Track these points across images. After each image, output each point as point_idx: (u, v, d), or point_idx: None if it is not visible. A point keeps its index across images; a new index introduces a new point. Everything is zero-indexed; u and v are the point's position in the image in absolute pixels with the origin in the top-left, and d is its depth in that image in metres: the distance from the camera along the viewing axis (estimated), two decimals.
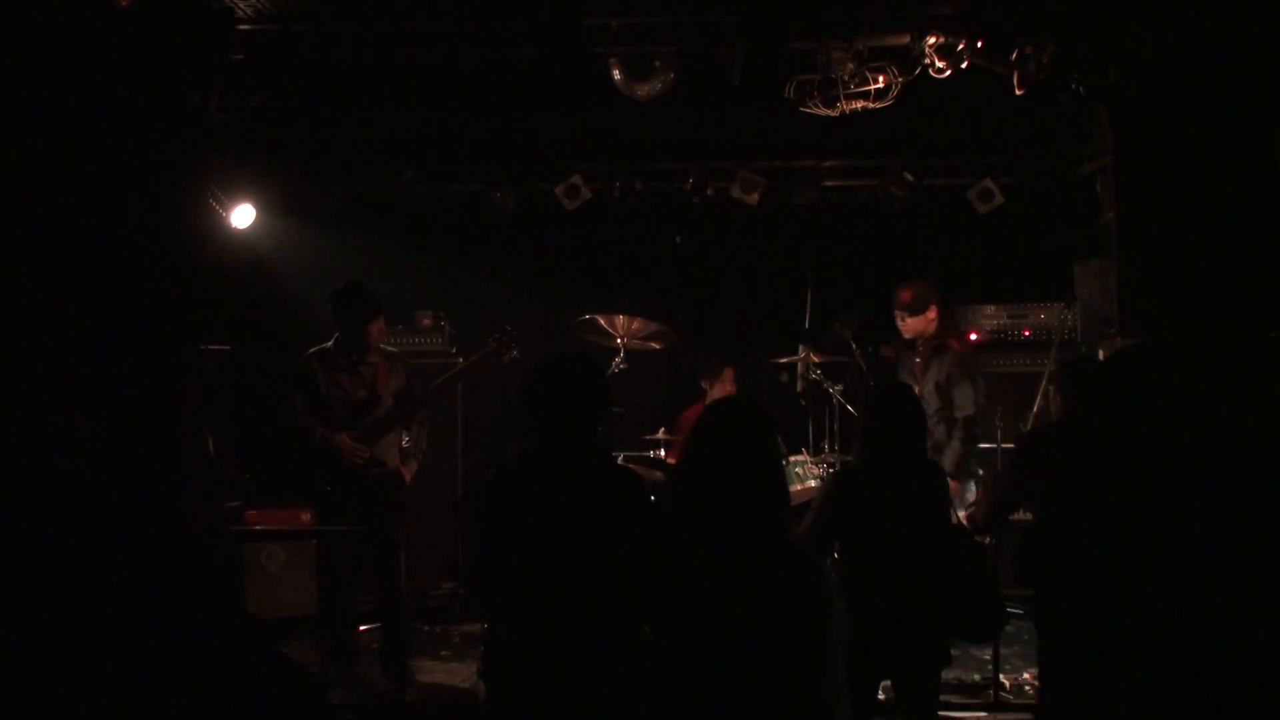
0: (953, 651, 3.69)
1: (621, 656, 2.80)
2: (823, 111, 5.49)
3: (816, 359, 6.28)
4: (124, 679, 2.16)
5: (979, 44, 5.30)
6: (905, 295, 5.92)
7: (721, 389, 6.59)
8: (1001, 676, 5.08)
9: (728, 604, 2.53)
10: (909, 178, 7.14)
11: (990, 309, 7.05)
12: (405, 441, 5.57)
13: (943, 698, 3.84)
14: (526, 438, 3.19)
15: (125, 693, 2.11)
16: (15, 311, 4.43)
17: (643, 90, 5.57)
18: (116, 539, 4.37)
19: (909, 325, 5.91)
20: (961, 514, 4.42)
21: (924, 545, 3.56)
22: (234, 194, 6.71)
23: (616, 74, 5.58)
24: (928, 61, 5.33)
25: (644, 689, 2.58)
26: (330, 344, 5.39)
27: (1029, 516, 4.42)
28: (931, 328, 5.90)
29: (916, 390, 5.33)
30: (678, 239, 7.77)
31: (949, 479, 4.06)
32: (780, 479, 2.76)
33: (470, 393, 7.26)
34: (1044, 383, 5.75)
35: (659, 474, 6.21)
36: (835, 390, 6.26)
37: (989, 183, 7.10)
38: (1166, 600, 1.29)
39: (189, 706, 1.70)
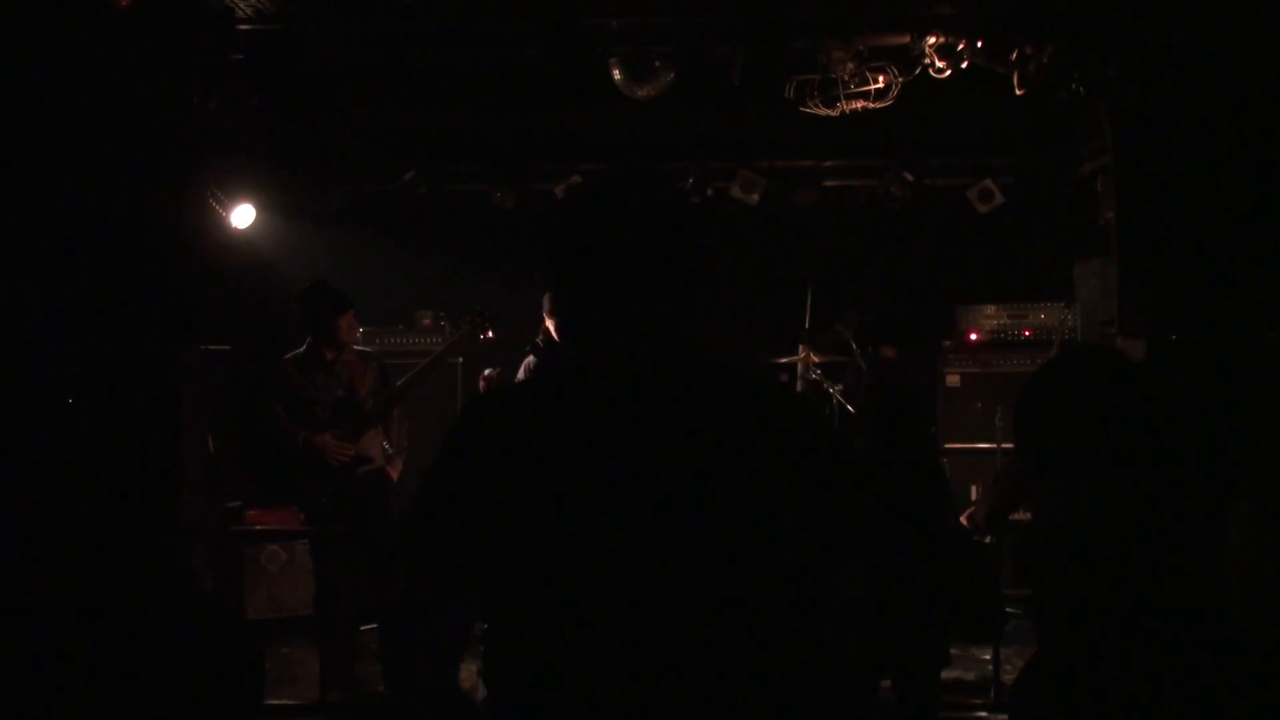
0: (952, 651, 3.69)
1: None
2: (823, 111, 5.50)
3: (816, 359, 6.28)
4: (121, 674, 2.16)
5: (979, 44, 5.30)
6: None
7: None
8: (1001, 676, 5.09)
9: None
10: (909, 178, 7.14)
11: (990, 309, 7.05)
12: (385, 445, 5.56)
13: (943, 698, 3.84)
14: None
15: (123, 687, 2.12)
16: (15, 311, 4.43)
17: (643, 90, 5.57)
18: (117, 538, 4.37)
19: None
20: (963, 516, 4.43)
21: (923, 544, 3.56)
22: (234, 194, 6.72)
23: (616, 74, 5.57)
24: (928, 61, 5.33)
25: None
26: (303, 347, 5.39)
27: (1029, 516, 4.42)
28: None
29: None
30: None
31: None
32: None
33: (470, 386, 7.25)
34: None
35: None
36: (835, 390, 6.26)
37: (989, 183, 7.10)
38: (1147, 586, 1.31)
39: (183, 698, 1.73)
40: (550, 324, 5.47)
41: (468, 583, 1.55)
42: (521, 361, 5.59)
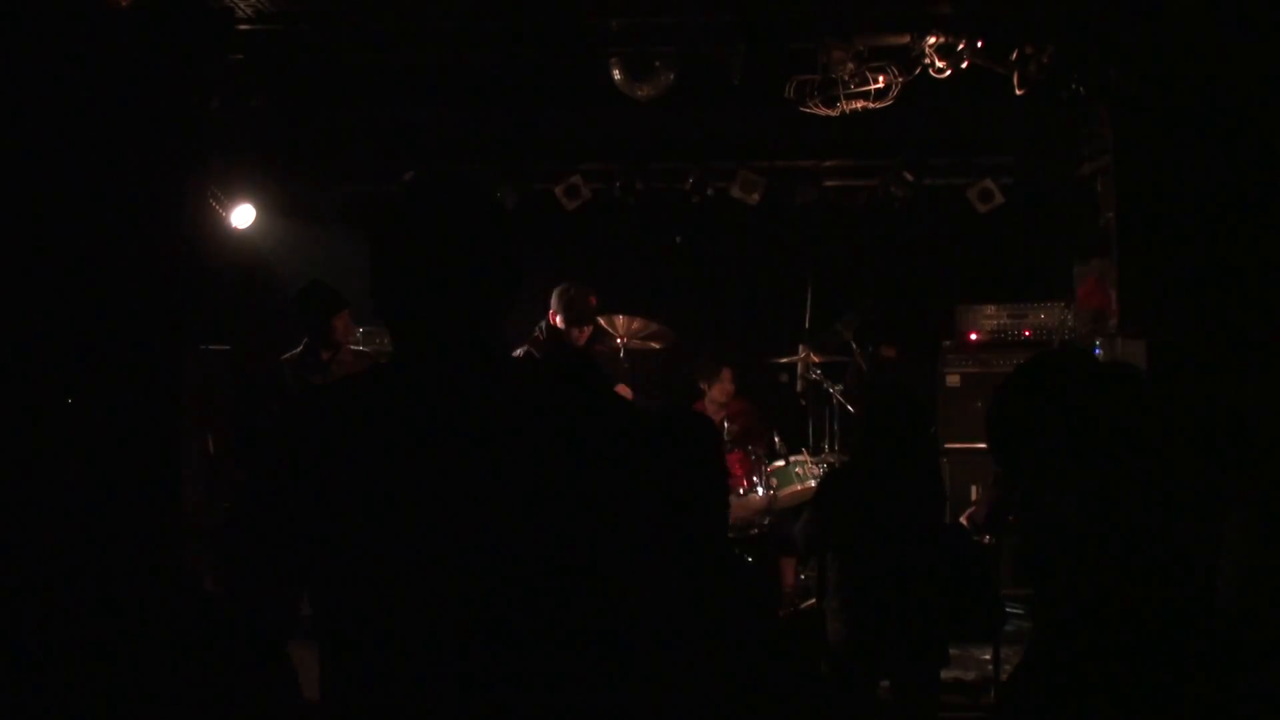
0: (952, 651, 3.69)
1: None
2: (823, 111, 5.50)
3: (816, 359, 6.28)
4: (122, 675, 2.18)
5: (979, 44, 5.30)
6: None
7: (720, 389, 6.60)
8: (1001, 676, 5.09)
9: None
10: (909, 178, 7.14)
11: (990, 309, 7.04)
12: None
13: (942, 698, 3.84)
14: None
15: (124, 688, 2.14)
16: (16, 312, 4.44)
17: (643, 90, 5.57)
18: (116, 538, 4.37)
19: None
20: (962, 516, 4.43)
21: (920, 544, 3.56)
22: (234, 194, 6.71)
23: (616, 74, 5.58)
24: (928, 61, 5.33)
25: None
26: (300, 348, 5.40)
27: None
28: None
29: None
30: (678, 239, 7.77)
31: None
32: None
33: None
34: None
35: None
36: (835, 390, 6.26)
37: (989, 183, 7.10)
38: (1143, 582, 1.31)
39: (182, 699, 1.76)
40: (558, 324, 5.56)
41: (288, 577, 1.60)
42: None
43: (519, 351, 5.66)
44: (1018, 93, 5.41)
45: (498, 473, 1.53)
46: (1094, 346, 6.18)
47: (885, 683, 3.82)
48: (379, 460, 1.54)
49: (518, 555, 1.51)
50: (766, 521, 6.01)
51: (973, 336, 6.94)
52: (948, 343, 6.98)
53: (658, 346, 6.50)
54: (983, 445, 6.07)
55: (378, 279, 1.62)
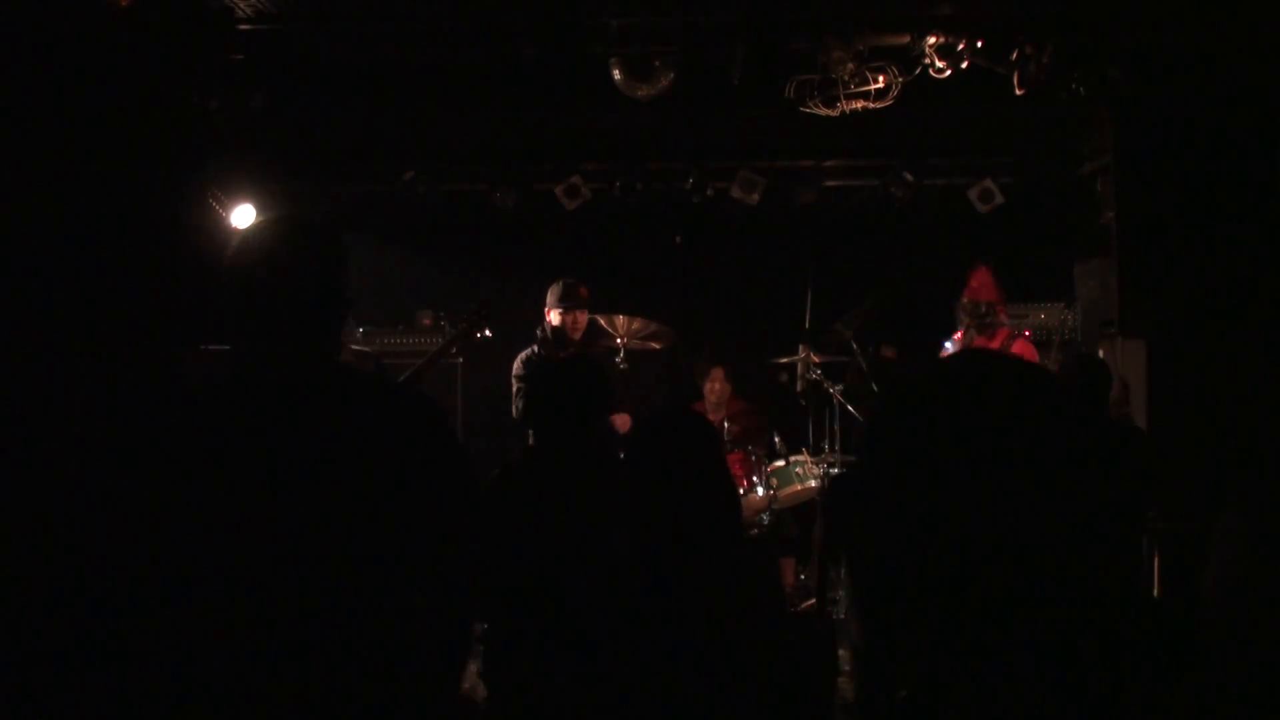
0: None
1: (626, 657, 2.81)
2: (823, 111, 5.50)
3: (816, 359, 6.28)
4: (124, 675, 2.20)
5: (979, 44, 5.30)
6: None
7: (710, 388, 6.60)
8: None
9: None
10: (909, 178, 7.14)
11: None
12: None
13: None
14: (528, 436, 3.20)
15: (126, 688, 2.16)
16: (15, 312, 4.43)
17: (643, 90, 5.57)
18: (116, 538, 4.36)
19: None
20: None
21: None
22: (234, 194, 6.71)
23: (616, 74, 5.58)
24: (928, 61, 5.33)
25: (650, 686, 2.58)
26: None
27: None
28: None
29: None
30: (678, 239, 7.76)
31: None
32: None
33: (470, 384, 7.24)
34: None
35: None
36: (835, 390, 6.26)
37: (989, 183, 7.09)
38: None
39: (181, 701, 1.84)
40: (552, 318, 5.62)
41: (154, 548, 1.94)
42: (519, 354, 5.71)
43: (527, 352, 5.70)
44: (1018, 93, 5.41)
45: (317, 464, 1.83)
46: (971, 339, 6.13)
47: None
48: (218, 453, 1.85)
49: (330, 530, 1.80)
50: (766, 521, 6.01)
51: None
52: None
53: (658, 346, 6.50)
54: None
55: (225, 303, 1.98)
